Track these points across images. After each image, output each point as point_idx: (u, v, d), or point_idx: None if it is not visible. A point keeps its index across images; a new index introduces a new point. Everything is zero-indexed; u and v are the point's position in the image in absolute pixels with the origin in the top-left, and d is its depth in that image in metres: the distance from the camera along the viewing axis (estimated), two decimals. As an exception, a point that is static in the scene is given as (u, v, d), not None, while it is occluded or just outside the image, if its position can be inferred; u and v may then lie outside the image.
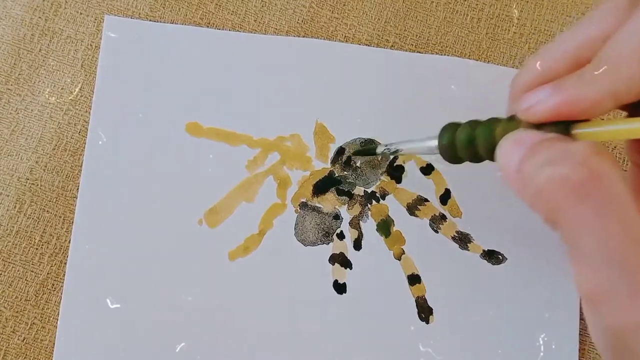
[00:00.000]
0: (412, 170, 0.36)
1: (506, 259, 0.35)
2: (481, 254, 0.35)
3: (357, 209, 0.36)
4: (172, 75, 0.36)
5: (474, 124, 0.25)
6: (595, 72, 0.19)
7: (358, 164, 0.36)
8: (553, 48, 0.22)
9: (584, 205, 0.16)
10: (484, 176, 0.36)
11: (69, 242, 0.34)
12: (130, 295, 0.33)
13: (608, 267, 0.16)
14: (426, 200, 0.36)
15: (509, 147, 0.20)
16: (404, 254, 0.35)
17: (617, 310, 0.16)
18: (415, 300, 0.35)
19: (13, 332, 0.33)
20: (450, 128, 0.27)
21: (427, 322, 0.34)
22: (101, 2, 0.36)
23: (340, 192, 0.36)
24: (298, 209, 0.35)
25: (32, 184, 0.34)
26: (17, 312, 0.33)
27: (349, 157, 0.36)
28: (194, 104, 0.35)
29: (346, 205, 0.36)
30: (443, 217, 0.36)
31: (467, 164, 0.26)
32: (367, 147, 0.35)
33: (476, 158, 0.25)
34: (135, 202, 0.34)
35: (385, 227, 0.35)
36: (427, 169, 0.36)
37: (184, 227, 0.34)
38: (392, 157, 0.36)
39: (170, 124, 0.35)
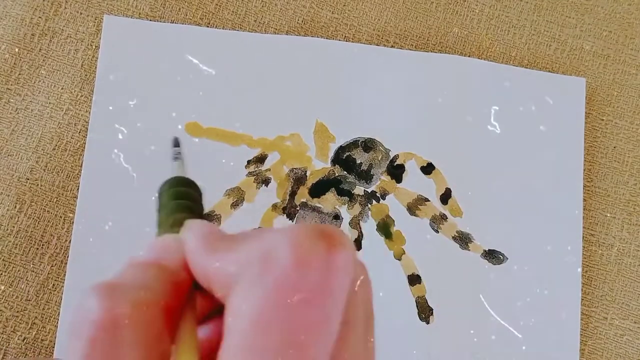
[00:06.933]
0: (412, 170, 0.36)
1: (506, 258, 0.35)
2: (482, 254, 0.35)
3: (357, 208, 0.36)
4: (172, 75, 0.36)
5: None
6: None
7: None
8: None
9: None
10: (484, 176, 0.36)
11: (69, 242, 0.34)
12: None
13: None
14: (426, 199, 0.36)
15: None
16: (404, 253, 0.35)
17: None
18: (416, 300, 0.35)
19: (13, 331, 0.33)
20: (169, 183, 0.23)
21: (427, 322, 0.34)
22: (101, 2, 0.36)
23: (340, 192, 0.36)
24: (298, 209, 0.35)
25: (33, 184, 0.34)
26: (17, 312, 0.33)
27: (348, 156, 0.36)
28: (193, 104, 0.35)
29: (346, 205, 0.36)
30: (443, 217, 0.36)
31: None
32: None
33: None
34: (135, 202, 0.34)
35: (385, 227, 0.35)
36: (428, 168, 0.36)
37: (184, 227, 0.34)
38: (392, 156, 0.36)
39: (170, 123, 0.35)
